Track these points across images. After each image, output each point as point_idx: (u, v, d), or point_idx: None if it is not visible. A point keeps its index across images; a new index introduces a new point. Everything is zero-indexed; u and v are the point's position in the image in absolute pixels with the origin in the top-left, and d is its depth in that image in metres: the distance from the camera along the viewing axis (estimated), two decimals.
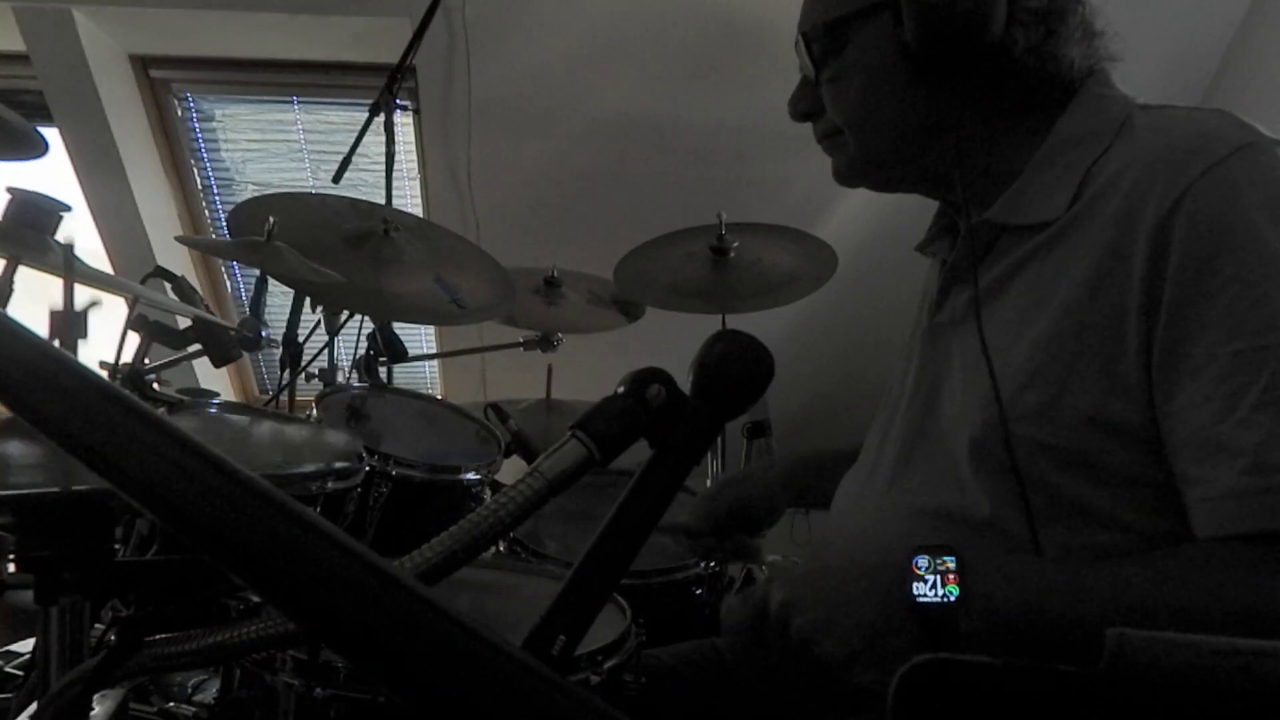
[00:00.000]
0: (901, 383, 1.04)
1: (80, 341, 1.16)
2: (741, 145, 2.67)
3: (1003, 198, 0.92)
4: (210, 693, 1.28)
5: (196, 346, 1.56)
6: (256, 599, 0.96)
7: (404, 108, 2.48)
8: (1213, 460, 0.75)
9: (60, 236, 1.25)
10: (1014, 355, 0.86)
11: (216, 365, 1.63)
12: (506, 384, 2.72)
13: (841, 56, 0.94)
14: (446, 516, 1.60)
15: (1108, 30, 0.92)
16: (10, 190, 1.21)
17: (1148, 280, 0.78)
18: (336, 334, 2.11)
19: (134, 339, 1.45)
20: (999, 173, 0.93)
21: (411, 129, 2.83)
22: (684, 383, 0.66)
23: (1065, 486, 0.83)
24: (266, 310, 1.80)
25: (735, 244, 2.12)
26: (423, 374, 3.46)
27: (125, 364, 1.43)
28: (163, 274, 1.58)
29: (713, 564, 1.61)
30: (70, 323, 1.13)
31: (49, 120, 2.59)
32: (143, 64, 2.72)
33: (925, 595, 0.77)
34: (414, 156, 2.92)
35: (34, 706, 0.80)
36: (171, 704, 1.26)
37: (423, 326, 3.15)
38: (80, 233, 2.75)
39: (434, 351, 3.18)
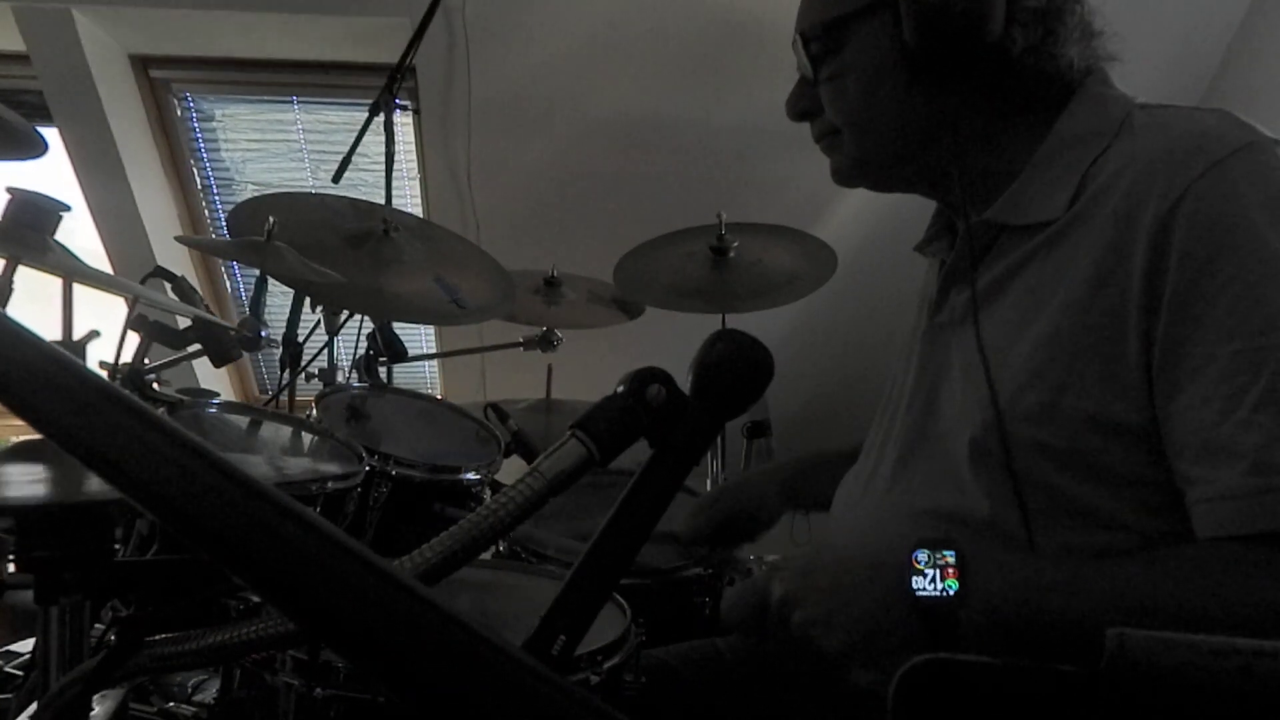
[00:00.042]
0: (901, 383, 1.04)
1: None
2: (741, 145, 2.67)
3: (1002, 198, 0.92)
4: (210, 693, 1.28)
5: (196, 346, 1.56)
6: (256, 599, 0.96)
7: (404, 108, 2.48)
8: (1213, 461, 0.75)
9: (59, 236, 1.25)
10: (1014, 355, 0.86)
11: (216, 365, 1.63)
12: (506, 384, 2.72)
13: (840, 56, 0.94)
14: (446, 517, 1.61)
15: (1106, 30, 0.92)
16: (10, 190, 1.21)
17: (1148, 280, 0.78)
18: (336, 334, 2.11)
19: (134, 339, 1.45)
20: (998, 172, 0.93)
21: (411, 129, 2.83)
22: (684, 383, 0.66)
23: (1066, 487, 0.83)
24: (266, 310, 1.80)
25: (735, 244, 2.12)
26: (423, 374, 3.46)
27: (125, 364, 1.43)
28: (163, 274, 1.58)
29: (709, 568, 1.61)
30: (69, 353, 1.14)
31: (49, 120, 2.59)
32: (142, 64, 2.72)
33: (925, 589, 0.77)
34: (414, 156, 2.92)
35: (34, 707, 0.80)
36: (171, 704, 1.26)
37: (423, 326, 3.15)
38: (80, 233, 2.77)
39: (434, 351, 3.18)
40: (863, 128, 0.96)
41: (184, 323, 1.56)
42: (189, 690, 1.30)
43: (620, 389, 0.64)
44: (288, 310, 2.00)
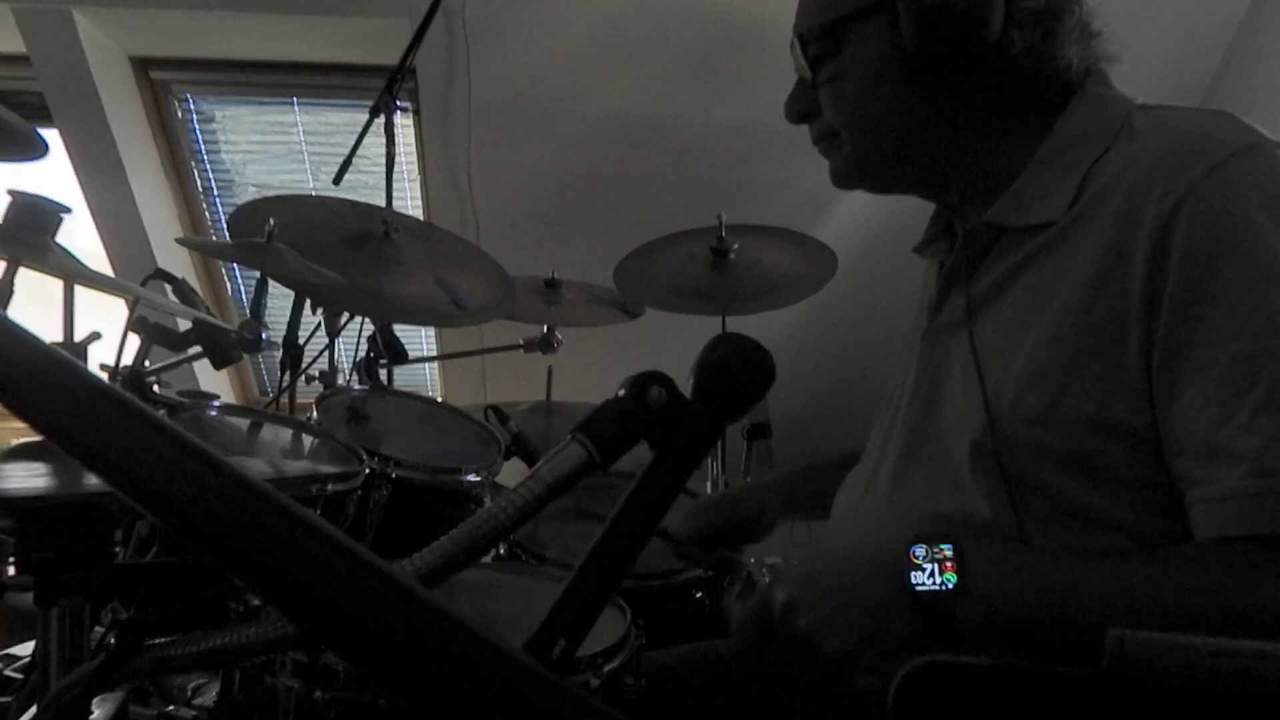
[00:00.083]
0: (902, 385, 1.04)
1: None
2: (741, 146, 2.67)
3: (1002, 199, 0.91)
4: (210, 695, 1.28)
5: (197, 348, 1.56)
6: (256, 601, 0.96)
7: (404, 109, 2.49)
8: (1213, 462, 0.75)
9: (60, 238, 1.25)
10: (1015, 357, 0.86)
11: (217, 367, 1.63)
12: (506, 386, 2.72)
13: (838, 58, 0.94)
14: (446, 519, 1.61)
15: (1105, 30, 0.92)
16: (10, 192, 1.21)
17: (1149, 281, 0.78)
18: (337, 336, 2.11)
19: (134, 341, 1.45)
20: (997, 173, 0.93)
21: (412, 130, 2.84)
22: (684, 385, 0.66)
23: (1066, 489, 0.83)
24: (267, 312, 1.80)
25: (735, 245, 2.12)
26: (423, 376, 3.46)
27: (125, 366, 1.43)
28: (163, 276, 1.58)
29: (707, 570, 1.61)
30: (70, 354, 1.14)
31: (49, 121, 2.59)
32: (143, 65, 2.72)
33: (924, 584, 0.77)
34: (414, 158, 2.93)
35: (34, 709, 0.80)
36: (171, 707, 1.26)
37: (423, 328, 3.15)
38: (81, 234, 2.77)
39: (434, 353, 3.18)
40: (861, 130, 0.96)
41: (184, 325, 1.56)
42: (189, 693, 1.30)
43: (621, 392, 0.64)
44: (288, 312, 2.00)
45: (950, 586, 0.76)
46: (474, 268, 2.07)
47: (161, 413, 1.26)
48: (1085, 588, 0.77)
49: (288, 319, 1.99)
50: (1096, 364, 0.81)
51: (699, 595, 1.58)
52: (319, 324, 2.10)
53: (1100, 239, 0.82)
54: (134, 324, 1.45)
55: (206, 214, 3.04)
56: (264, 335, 1.69)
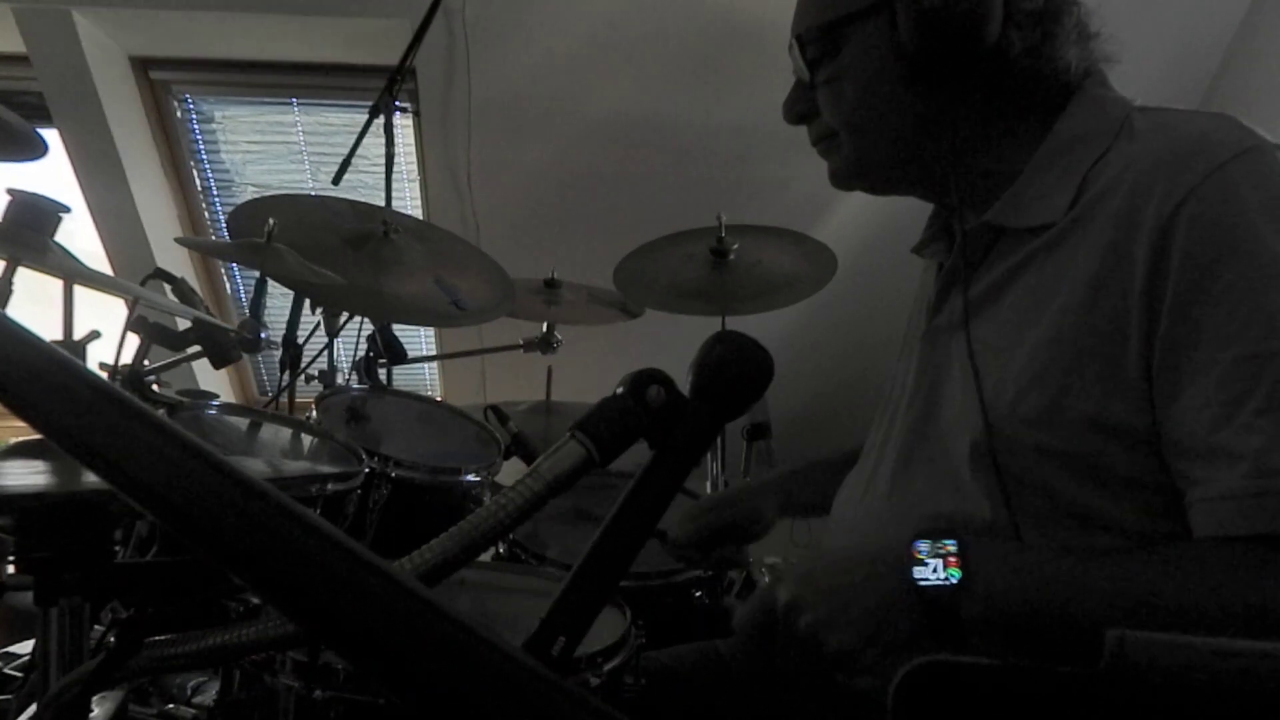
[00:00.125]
0: (901, 385, 1.04)
1: None
2: (741, 146, 2.67)
3: (1001, 200, 0.91)
4: (210, 694, 1.28)
5: (196, 348, 1.56)
6: (256, 600, 0.96)
7: (404, 109, 2.48)
8: (1214, 462, 0.75)
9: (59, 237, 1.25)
10: (1014, 358, 0.86)
11: (216, 367, 1.63)
12: (506, 386, 2.72)
13: (837, 59, 0.94)
14: (446, 518, 1.61)
15: (1105, 31, 0.92)
16: (10, 191, 1.21)
17: (1149, 283, 0.78)
18: (336, 335, 2.11)
19: (134, 340, 1.45)
20: (997, 174, 0.93)
21: (411, 130, 2.84)
22: (683, 384, 0.66)
23: (1067, 490, 0.83)
24: (266, 312, 1.80)
25: (735, 246, 2.12)
26: (422, 376, 3.46)
27: (125, 365, 1.43)
28: (162, 275, 1.58)
29: (708, 570, 1.61)
30: (69, 353, 1.14)
31: (49, 121, 2.59)
32: (142, 65, 2.72)
33: (927, 579, 0.77)
34: (414, 158, 2.92)
35: (34, 708, 0.80)
36: (171, 705, 1.26)
37: (422, 328, 3.15)
38: (80, 234, 2.77)
39: (434, 353, 3.18)
40: (860, 131, 0.96)
41: (184, 324, 1.56)
42: (188, 692, 1.30)
43: (620, 390, 0.64)
44: (288, 312, 2.00)
45: (954, 582, 0.76)
46: (474, 268, 2.07)
47: (161, 412, 1.26)
48: (1087, 585, 0.77)
49: (287, 318, 1.99)
50: (1097, 364, 0.81)
51: (699, 595, 1.58)
52: (318, 323, 2.10)
53: (1100, 240, 0.82)
54: (133, 323, 1.45)
55: (206, 214, 3.04)
56: (263, 335, 1.69)
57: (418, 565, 0.56)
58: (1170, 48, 2.47)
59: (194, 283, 2.06)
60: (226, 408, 1.48)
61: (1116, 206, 0.82)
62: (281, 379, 1.99)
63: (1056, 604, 0.77)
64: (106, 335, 1.48)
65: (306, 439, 1.47)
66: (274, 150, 2.96)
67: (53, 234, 1.23)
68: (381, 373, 2.09)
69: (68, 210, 1.24)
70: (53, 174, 2.71)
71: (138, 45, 2.66)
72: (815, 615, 0.80)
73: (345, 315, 2.11)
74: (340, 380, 2.12)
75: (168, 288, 1.56)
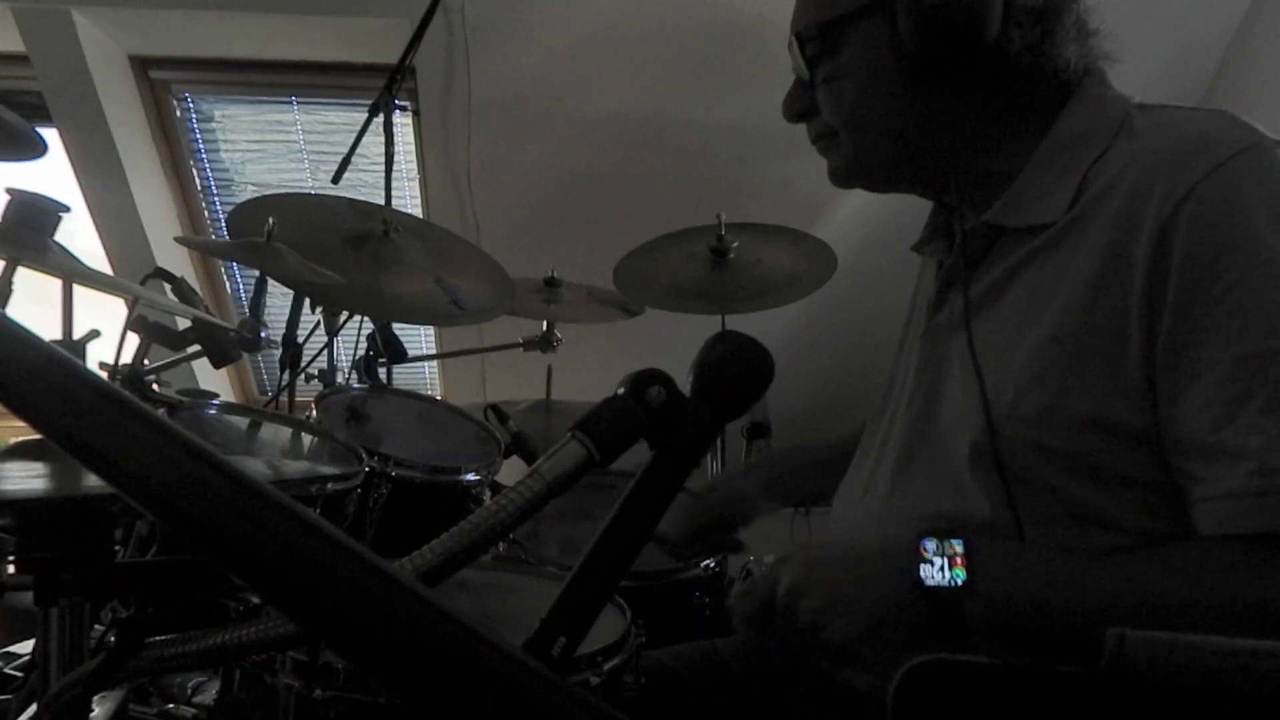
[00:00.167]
0: (901, 383, 1.04)
1: None
2: (741, 146, 2.67)
3: (1001, 199, 0.91)
4: (210, 694, 1.28)
5: (196, 347, 1.56)
6: (256, 600, 0.96)
7: (403, 108, 2.48)
8: (1216, 461, 0.75)
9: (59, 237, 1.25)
10: (1014, 357, 0.86)
11: (216, 366, 1.63)
12: (506, 385, 2.72)
13: (836, 57, 0.93)
14: (446, 518, 1.61)
15: (1104, 29, 0.92)
16: (9, 191, 1.21)
17: (1150, 282, 0.78)
18: (336, 335, 2.11)
19: (133, 340, 1.45)
20: (996, 173, 0.92)
21: (411, 129, 2.84)
22: (684, 384, 0.66)
23: (1067, 489, 0.83)
24: (266, 311, 1.80)
25: (735, 244, 2.12)
26: (422, 375, 3.46)
27: (125, 365, 1.43)
28: (162, 275, 1.58)
29: (712, 564, 1.61)
30: (69, 353, 1.14)
31: (48, 121, 2.59)
32: (142, 64, 2.72)
33: (933, 578, 0.77)
34: (413, 157, 2.92)
35: (34, 707, 0.80)
36: (171, 705, 1.26)
37: (422, 327, 3.15)
38: (80, 234, 2.77)
39: (434, 352, 3.18)
40: (860, 129, 0.95)
41: (184, 324, 1.56)
42: (189, 691, 1.30)
43: (620, 390, 0.64)
44: (287, 311, 2.00)
45: (959, 583, 0.76)
46: (474, 267, 2.07)
47: (161, 411, 1.26)
48: (1089, 585, 0.77)
49: (287, 318, 1.99)
50: (1097, 364, 0.81)
51: (699, 595, 1.58)
52: (318, 323, 2.10)
53: (1101, 239, 0.82)
54: (133, 323, 1.45)
55: (205, 213, 3.04)
56: (263, 334, 1.69)
57: (418, 565, 0.56)
58: (1170, 47, 2.47)
59: (194, 282, 2.06)
60: (226, 407, 1.48)
61: (1116, 206, 0.82)
62: (281, 378, 1.99)
63: (1059, 604, 0.77)
64: (106, 335, 1.48)
65: (306, 438, 1.47)
66: (273, 149, 2.96)
67: (52, 233, 1.23)
68: (381, 372, 2.09)
69: (67, 210, 1.24)
70: (52, 173, 2.71)
71: (137, 44, 2.66)
72: (817, 603, 0.80)
73: (345, 314, 2.11)
74: (340, 379, 2.12)
75: (167, 287, 1.55)
